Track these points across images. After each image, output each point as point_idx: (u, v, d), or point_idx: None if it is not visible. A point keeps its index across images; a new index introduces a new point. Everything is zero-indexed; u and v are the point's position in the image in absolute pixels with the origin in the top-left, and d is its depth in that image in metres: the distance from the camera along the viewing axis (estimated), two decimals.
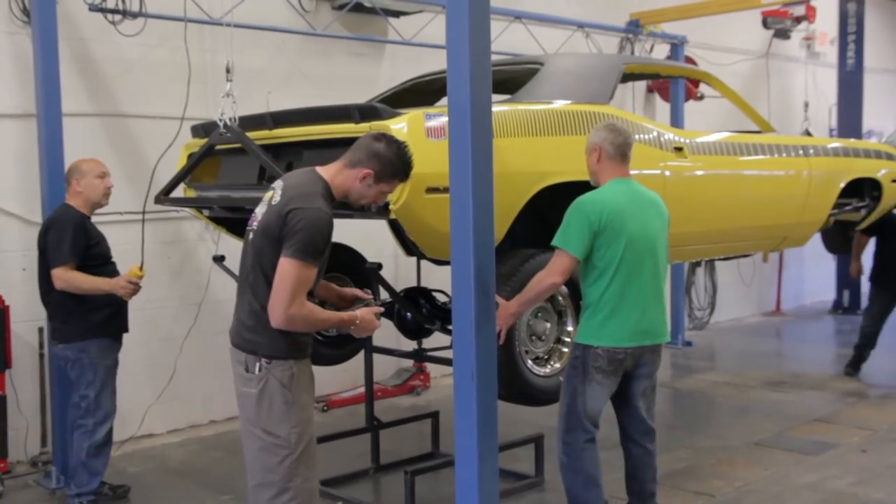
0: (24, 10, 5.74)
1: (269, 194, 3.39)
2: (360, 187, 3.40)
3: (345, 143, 4.24)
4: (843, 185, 6.71)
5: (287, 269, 3.17)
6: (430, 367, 7.77)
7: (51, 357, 5.41)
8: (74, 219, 4.83)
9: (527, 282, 4.16)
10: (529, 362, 4.44)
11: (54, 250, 4.74)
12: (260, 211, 3.37)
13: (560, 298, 4.55)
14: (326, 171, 3.42)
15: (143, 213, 5.38)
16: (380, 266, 4.42)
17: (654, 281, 4.12)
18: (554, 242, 4.01)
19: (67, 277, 4.72)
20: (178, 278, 6.62)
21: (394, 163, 3.40)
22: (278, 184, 3.41)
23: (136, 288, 4.83)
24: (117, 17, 5.97)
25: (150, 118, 6.34)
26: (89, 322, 4.84)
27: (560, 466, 4.16)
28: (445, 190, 3.70)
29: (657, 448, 4.30)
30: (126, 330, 5.07)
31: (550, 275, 3.96)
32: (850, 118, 11.27)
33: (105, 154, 6.18)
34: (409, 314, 5.06)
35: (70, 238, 4.74)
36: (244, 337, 3.37)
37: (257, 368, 3.32)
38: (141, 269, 4.87)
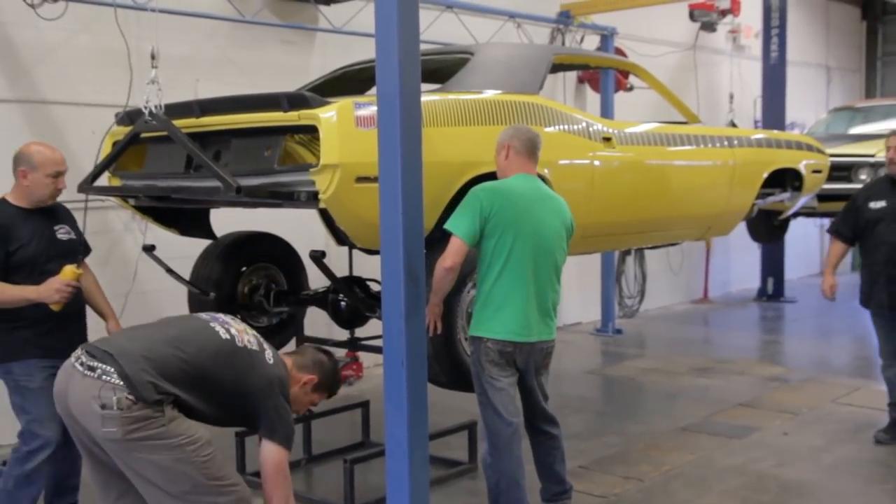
0: None
1: None
2: (299, 392, 3.36)
3: (273, 131, 4.22)
4: (766, 175, 6.87)
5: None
6: (363, 357, 7.75)
7: None
8: None
9: (467, 270, 4.18)
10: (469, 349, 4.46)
11: None
12: None
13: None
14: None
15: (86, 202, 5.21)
16: (323, 254, 4.39)
17: (547, 278, 4.10)
18: (445, 226, 4.00)
19: None
20: (104, 269, 6.42)
21: (331, 378, 3.45)
22: None
23: (70, 293, 4.04)
24: (37, 0, 5.81)
25: (73, 105, 6.18)
26: (12, 340, 4.09)
27: (483, 466, 4.18)
28: (375, 179, 3.70)
29: (562, 432, 4.38)
30: (73, 347, 3.90)
31: (442, 259, 3.92)
32: (773, 110, 11.54)
33: (26, 141, 6.01)
34: (344, 303, 5.06)
35: None
36: None
37: None
38: (78, 267, 4.18)
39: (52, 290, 3.98)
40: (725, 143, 6.50)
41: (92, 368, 3.00)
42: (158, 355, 3.05)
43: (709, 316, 11.39)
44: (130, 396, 2.94)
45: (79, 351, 3.13)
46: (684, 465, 5.45)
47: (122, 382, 2.94)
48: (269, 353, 3.25)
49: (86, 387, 2.98)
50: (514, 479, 4.09)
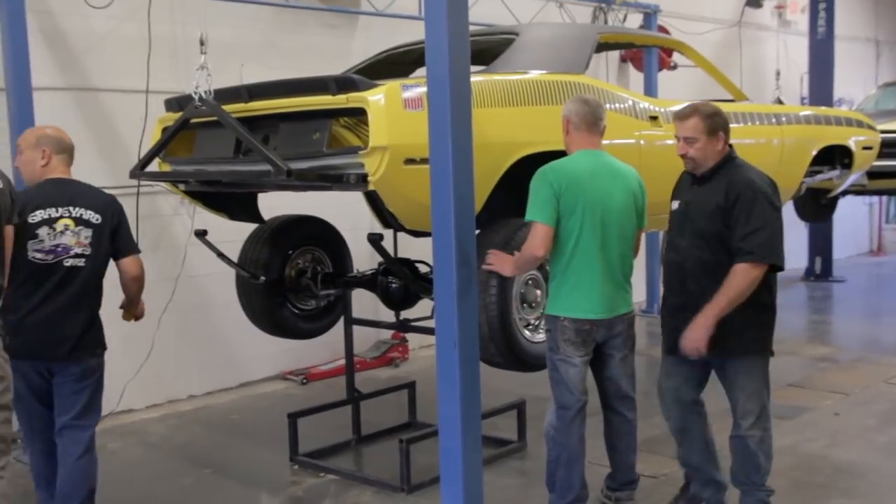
0: None
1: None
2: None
3: (321, 115, 4.25)
4: (814, 152, 6.77)
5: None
6: (409, 339, 7.79)
7: None
8: None
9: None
10: (524, 329, 4.47)
11: (131, 233, 4.20)
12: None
13: (548, 266, 4.57)
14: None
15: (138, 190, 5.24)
16: (381, 237, 4.43)
17: (619, 253, 4.11)
18: (527, 217, 4.01)
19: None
20: (154, 253, 6.55)
21: None
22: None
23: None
24: None
25: (122, 92, 6.27)
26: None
27: (546, 438, 4.21)
28: (423, 161, 3.71)
29: (636, 417, 4.38)
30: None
31: (533, 248, 3.96)
32: (821, 86, 11.34)
33: (78, 128, 6.08)
34: (394, 285, 5.10)
35: None
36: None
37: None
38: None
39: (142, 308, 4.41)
40: (773, 120, 6.41)
41: None
42: None
43: None
44: None
45: None
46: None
47: None
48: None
49: None
50: (574, 454, 4.13)
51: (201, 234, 5.20)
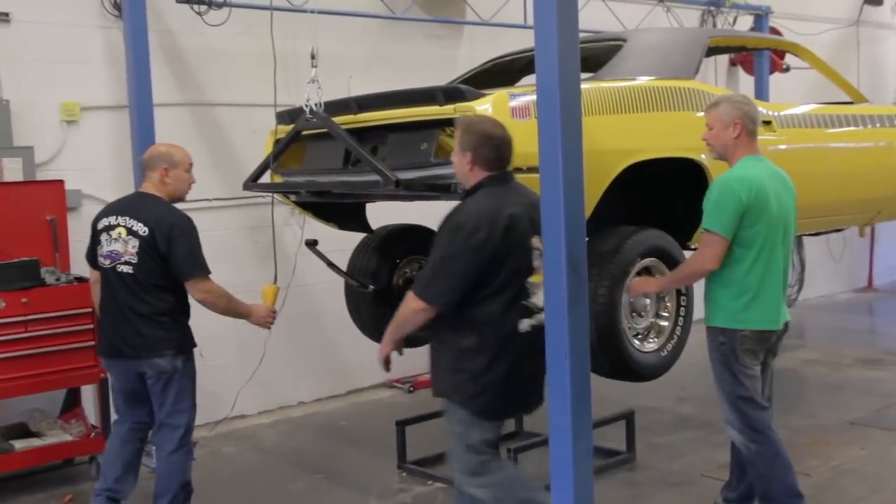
0: (116, 4, 5.90)
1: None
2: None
3: (429, 125, 4.28)
4: None
5: None
6: None
7: None
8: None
9: (630, 258, 4.21)
10: (633, 338, 4.41)
11: (191, 258, 4.16)
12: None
13: (658, 275, 4.49)
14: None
15: (272, 203, 5.56)
16: None
17: (789, 258, 4.06)
18: (706, 226, 3.91)
19: (214, 289, 4.25)
20: (265, 263, 6.72)
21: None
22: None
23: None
24: (203, 8, 6.11)
25: (235, 106, 6.46)
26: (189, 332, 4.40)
27: (751, 456, 4.03)
28: (530, 170, 3.69)
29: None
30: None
31: (708, 261, 3.90)
32: None
33: (194, 142, 6.30)
34: None
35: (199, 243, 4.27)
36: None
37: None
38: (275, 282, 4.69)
39: (261, 315, 4.58)
40: (895, 122, 6.16)
41: None
42: None
43: (875, 305, 10.83)
44: None
45: None
46: (855, 460, 5.21)
47: None
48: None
49: None
50: (786, 461, 4.03)
51: (312, 244, 5.30)
